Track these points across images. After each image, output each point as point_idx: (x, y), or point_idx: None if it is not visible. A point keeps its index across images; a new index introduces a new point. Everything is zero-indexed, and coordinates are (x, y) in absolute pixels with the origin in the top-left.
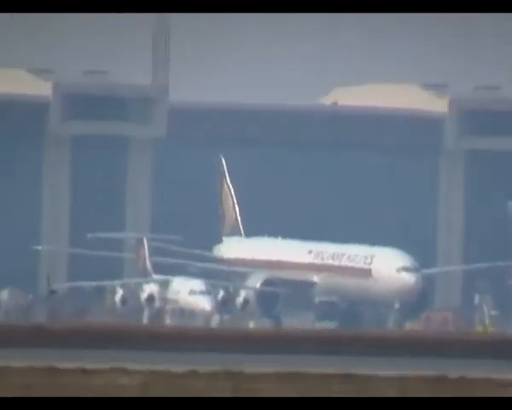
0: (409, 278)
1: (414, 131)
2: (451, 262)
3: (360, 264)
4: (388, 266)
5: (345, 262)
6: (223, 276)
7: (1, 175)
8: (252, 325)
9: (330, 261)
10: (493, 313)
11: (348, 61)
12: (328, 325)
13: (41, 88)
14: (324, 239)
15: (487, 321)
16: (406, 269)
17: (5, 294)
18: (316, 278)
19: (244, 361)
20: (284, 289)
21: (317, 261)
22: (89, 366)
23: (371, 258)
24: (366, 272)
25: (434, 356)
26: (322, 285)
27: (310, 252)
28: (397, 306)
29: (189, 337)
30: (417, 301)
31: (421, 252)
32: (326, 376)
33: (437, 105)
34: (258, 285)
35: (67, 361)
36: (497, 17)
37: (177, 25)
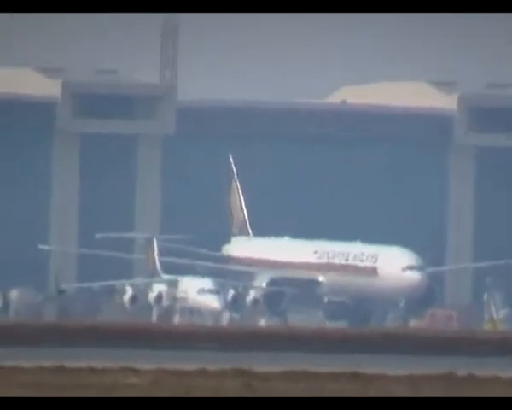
0: (414, 276)
1: (423, 128)
2: (461, 259)
3: (366, 263)
4: (393, 265)
5: (351, 261)
6: (231, 275)
7: (10, 174)
8: (262, 323)
9: (336, 260)
10: (503, 310)
11: (358, 60)
12: (338, 324)
13: (50, 87)
14: (332, 238)
15: (496, 319)
16: (411, 267)
17: (15, 293)
18: (321, 278)
19: (253, 360)
20: (290, 289)
21: (323, 261)
22: (98, 364)
23: (377, 257)
24: (372, 271)
25: (443, 354)
26: (329, 284)
27: (315, 252)
28: (402, 304)
29: (198, 336)
30: (423, 298)
31: (431, 249)
32: (334, 374)
33: (446, 102)
34: (264, 285)
35: (77, 360)
36: (506, 17)
37: (186, 23)
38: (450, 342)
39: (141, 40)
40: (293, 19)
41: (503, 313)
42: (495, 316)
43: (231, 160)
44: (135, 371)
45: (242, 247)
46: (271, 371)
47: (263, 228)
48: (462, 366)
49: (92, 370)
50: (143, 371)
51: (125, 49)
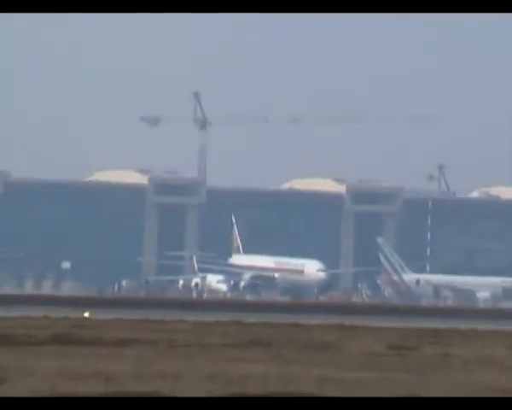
0: (321, 275)
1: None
2: (346, 266)
3: (298, 268)
4: (312, 269)
5: (291, 267)
6: (233, 272)
7: (124, 223)
8: (248, 297)
9: (284, 266)
10: (367, 292)
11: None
12: (285, 299)
13: (142, 179)
14: (283, 255)
15: (364, 295)
16: (320, 270)
17: (124, 282)
18: (276, 275)
19: (246, 317)
20: (261, 280)
21: (278, 267)
22: (166, 319)
23: (304, 265)
24: (301, 272)
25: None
26: (280, 278)
27: (274, 262)
28: (315, 289)
29: (216, 304)
30: (325, 286)
31: (329, 261)
32: (321, 325)
33: (340, 188)
34: (247, 278)
35: (156, 316)
36: None
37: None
38: (342, 306)
39: (186, 152)
40: None
41: (367, 293)
42: (363, 294)
43: (233, 219)
44: (183, 322)
45: (238, 259)
46: (258, 322)
47: (249, 250)
48: (346, 320)
49: (162, 321)
50: (187, 322)
51: (181, 159)
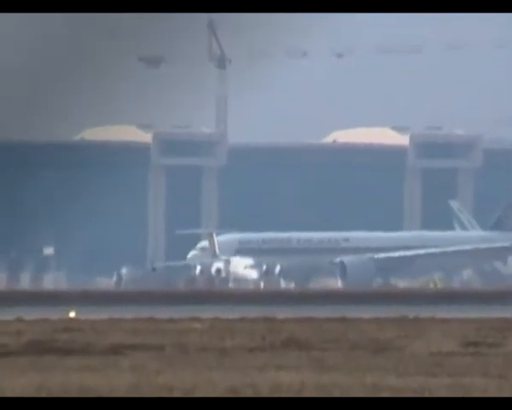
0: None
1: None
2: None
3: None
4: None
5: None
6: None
7: (121, 194)
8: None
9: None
10: (438, 273)
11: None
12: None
13: (145, 137)
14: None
15: (436, 279)
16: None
17: (124, 270)
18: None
19: (276, 311)
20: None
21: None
22: (176, 316)
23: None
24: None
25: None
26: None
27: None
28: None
29: (243, 295)
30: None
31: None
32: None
33: (402, 139)
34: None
35: (162, 314)
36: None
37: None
38: (402, 294)
39: (202, 102)
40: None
41: (437, 275)
42: (434, 277)
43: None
44: (199, 320)
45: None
46: (289, 317)
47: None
48: (409, 311)
49: (171, 319)
50: (205, 319)
51: (195, 109)
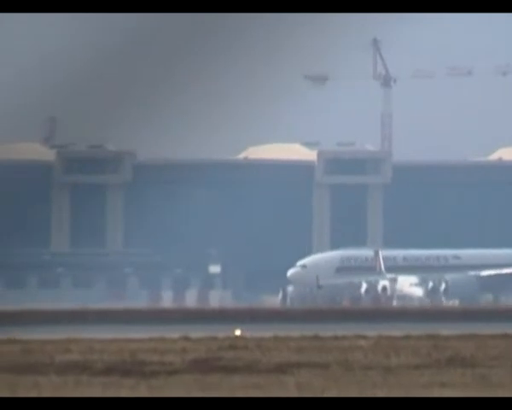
0: None
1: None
2: None
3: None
4: None
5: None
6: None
7: (285, 213)
8: (455, 303)
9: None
10: None
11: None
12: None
13: (309, 155)
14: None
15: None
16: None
17: (290, 287)
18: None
19: (441, 328)
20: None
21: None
22: (340, 333)
23: None
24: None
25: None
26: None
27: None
28: None
29: (409, 313)
30: None
31: None
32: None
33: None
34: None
35: (326, 331)
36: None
37: None
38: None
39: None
40: None
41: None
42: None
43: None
44: (364, 337)
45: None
46: (453, 334)
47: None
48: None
49: (336, 337)
50: (370, 337)
51: (359, 125)
